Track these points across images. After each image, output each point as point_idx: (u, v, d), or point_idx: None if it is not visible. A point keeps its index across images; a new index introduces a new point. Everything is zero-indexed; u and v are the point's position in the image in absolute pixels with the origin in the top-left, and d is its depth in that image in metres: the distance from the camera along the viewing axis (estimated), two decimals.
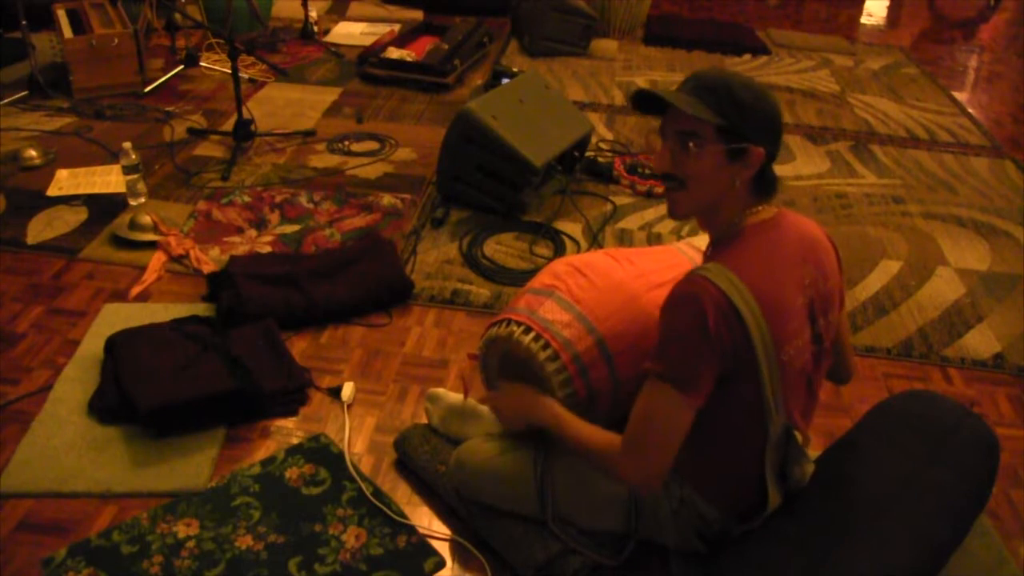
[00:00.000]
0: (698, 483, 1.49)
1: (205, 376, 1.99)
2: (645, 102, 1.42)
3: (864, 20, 6.35)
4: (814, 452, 1.55)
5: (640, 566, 1.63)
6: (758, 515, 1.45)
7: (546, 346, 1.61)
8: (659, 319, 1.36)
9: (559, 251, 2.78)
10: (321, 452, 1.91)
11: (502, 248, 2.78)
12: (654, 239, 2.91)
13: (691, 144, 1.34)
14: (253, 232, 2.77)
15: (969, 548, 1.54)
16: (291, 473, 1.85)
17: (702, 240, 1.94)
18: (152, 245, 2.64)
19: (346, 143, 3.46)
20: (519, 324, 1.64)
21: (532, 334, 1.62)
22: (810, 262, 1.41)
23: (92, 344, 2.17)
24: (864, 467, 1.51)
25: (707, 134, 1.33)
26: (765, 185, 1.39)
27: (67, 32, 3.68)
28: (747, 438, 1.40)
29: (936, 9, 6.87)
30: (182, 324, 2.21)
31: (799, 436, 1.43)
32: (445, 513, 1.78)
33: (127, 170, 2.85)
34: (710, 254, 1.43)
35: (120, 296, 2.42)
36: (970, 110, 4.40)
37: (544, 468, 1.61)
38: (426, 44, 4.37)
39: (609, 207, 3.09)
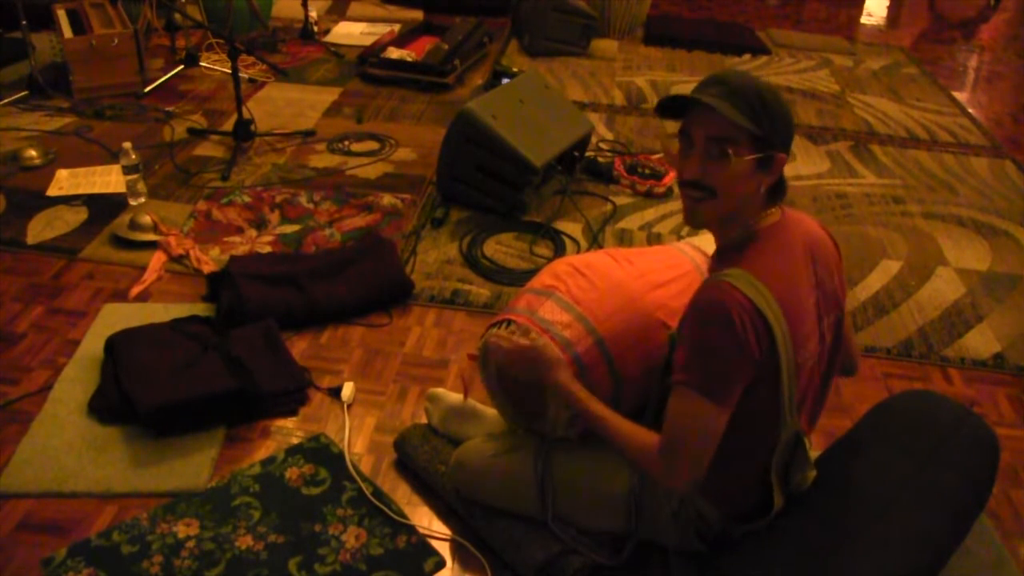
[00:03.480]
0: (702, 484, 1.49)
1: (205, 376, 1.99)
2: (672, 106, 1.36)
3: (864, 20, 6.35)
4: (814, 452, 1.55)
5: (640, 566, 1.63)
6: (759, 517, 1.45)
7: None
8: (686, 326, 1.34)
9: (559, 251, 2.78)
10: (321, 452, 1.91)
11: (502, 248, 2.78)
12: (654, 239, 2.91)
13: (730, 151, 1.29)
14: (253, 232, 2.77)
15: (969, 548, 1.54)
16: (291, 473, 1.85)
17: (702, 240, 1.94)
18: (152, 245, 2.64)
19: (346, 143, 3.46)
20: (519, 324, 1.64)
21: (532, 334, 1.62)
22: (817, 261, 1.41)
23: (92, 344, 2.17)
24: (864, 467, 1.51)
25: (744, 141, 1.29)
26: (779, 189, 1.38)
27: (67, 32, 3.68)
28: (757, 441, 1.40)
29: (936, 9, 6.87)
30: (182, 324, 2.21)
31: (808, 443, 1.43)
32: (445, 513, 1.78)
33: (127, 170, 2.85)
34: (721, 258, 1.41)
35: (120, 296, 2.42)
36: (970, 110, 4.40)
37: (544, 468, 1.61)
38: (426, 44, 4.37)
39: (609, 207, 3.09)
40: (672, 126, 1.42)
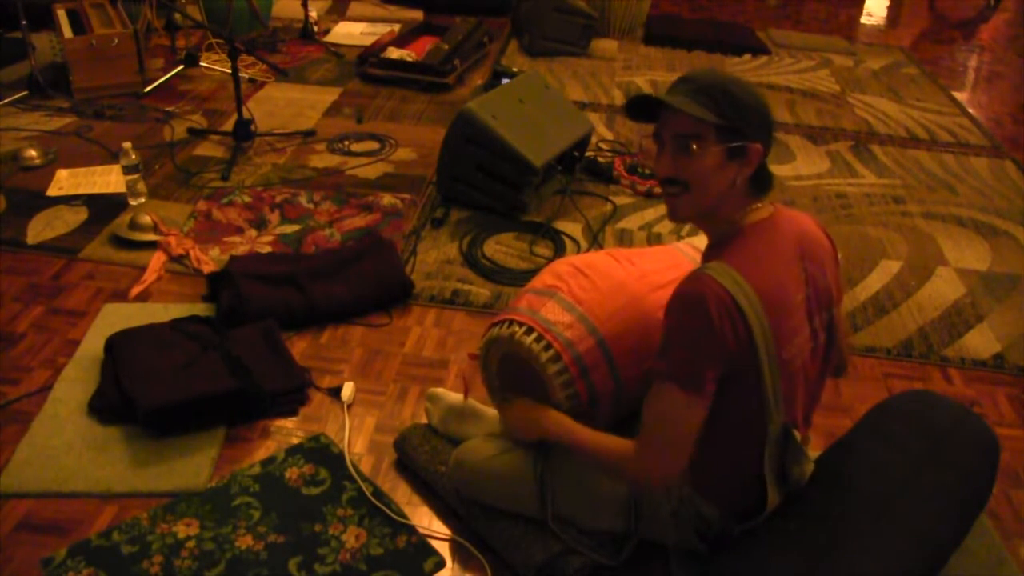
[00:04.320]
0: (698, 483, 1.49)
1: (205, 376, 1.99)
2: (639, 109, 1.41)
3: (864, 20, 6.35)
4: (814, 452, 1.55)
5: (640, 566, 1.63)
6: (758, 515, 1.45)
7: (548, 347, 1.60)
8: (664, 317, 1.36)
9: (559, 251, 2.78)
10: (321, 452, 1.91)
11: (502, 248, 2.78)
12: (654, 239, 2.91)
13: (694, 146, 1.33)
14: (253, 232, 2.77)
15: (969, 548, 1.54)
16: (291, 473, 1.85)
17: (702, 240, 1.93)
18: (152, 245, 2.64)
19: (346, 143, 3.46)
20: (521, 324, 1.64)
21: (534, 335, 1.62)
22: (808, 258, 1.41)
23: (92, 344, 2.17)
24: (864, 467, 1.51)
25: (708, 135, 1.33)
26: (762, 182, 1.40)
27: (67, 32, 3.68)
28: (747, 437, 1.40)
29: (936, 9, 6.87)
30: (182, 324, 2.21)
31: (798, 435, 1.43)
32: (445, 513, 1.78)
33: (127, 170, 2.85)
34: (710, 254, 1.43)
35: (120, 296, 2.42)
36: (970, 110, 4.40)
37: (544, 468, 1.61)
38: (426, 44, 4.37)
39: (609, 207, 3.09)
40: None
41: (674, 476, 1.39)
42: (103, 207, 2.85)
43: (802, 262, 1.40)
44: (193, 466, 1.85)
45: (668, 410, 1.34)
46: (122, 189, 2.90)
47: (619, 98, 4.19)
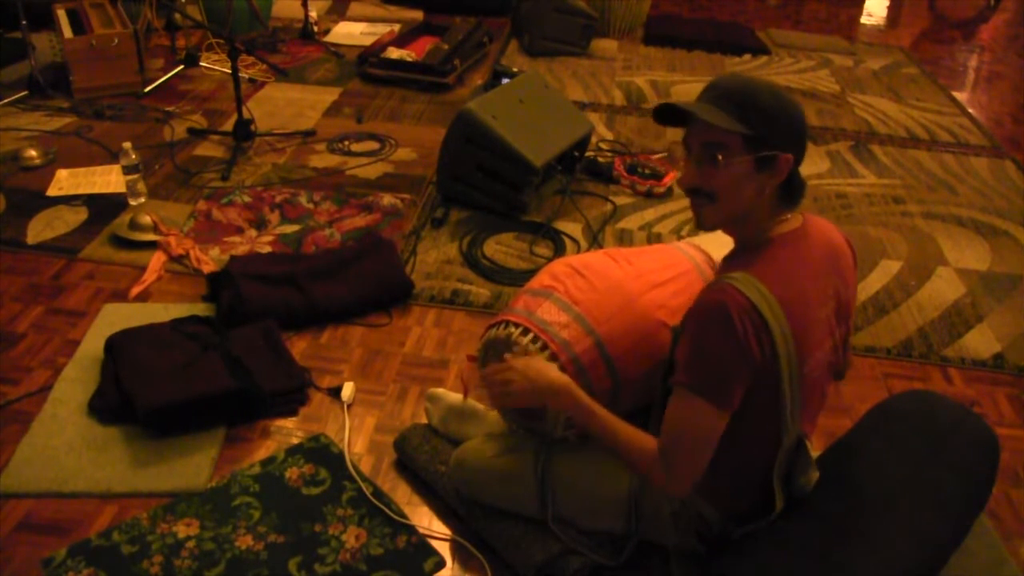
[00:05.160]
0: (702, 486, 1.48)
1: (205, 376, 1.99)
2: (668, 115, 1.38)
3: (864, 20, 6.35)
4: (814, 452, 1.55)
5: (640, 567, 1.63)
6: (760, 519, 1.45)
7: (544, 347, 1.60)
8: (686, 327, 1.34)
9: (559, 251, 2.78)
10: (321, 452, 1.91)
11: (502, 248, 2.78)
12: (654, 239, 2.91)
13: (719, 157, 1.30)
14: (253, 232, 2.77)
15: (969, 548, 1.54)
16: (291, 473, 1.85)
17: (702, 239, 1.94)
18: (152, 245, 2.64)
19: (346, 143, 3.46)
20: (517, 326, 1.64)
21: (530, 335, 1.62)
22: (835, 272, 1.40)
23: (92, 344, 2.17)
24: (864, 467, 1.51)
25: (734, 145, 1.29)
26: (793, 191, 1.37)
27: (67, 32, 3.68)
28: (758, 446, 1.39)
29: (936, 9, 6.87)
30: (182, 324, 2.21)
31: (810, 446, 1.42)
32: (445, 513, 1.78)
33: (127, 170, 2.85)
34: (733, 261, 1.41)
35: (120, 296, 2.42)
36: (970, 110, 4.40)
37: (544, 468, 1.61)
38: (426, 44, 4.38)
39: (609, 207, 3.09)
40: (675, 132, 1.42)
41: (691, 487, 1.35)
42: (103, 207, 2.85)
43: (830, 276, 1.39)
44: (193, 466, 1.85)
45: (694, 424, 1.31)
46: (122, 189, 2.90)
47: (619, 98, 4.19)
